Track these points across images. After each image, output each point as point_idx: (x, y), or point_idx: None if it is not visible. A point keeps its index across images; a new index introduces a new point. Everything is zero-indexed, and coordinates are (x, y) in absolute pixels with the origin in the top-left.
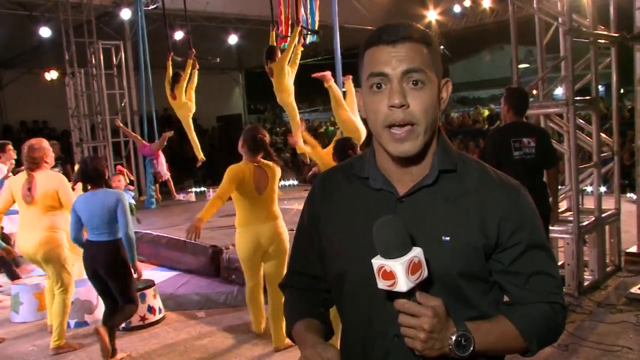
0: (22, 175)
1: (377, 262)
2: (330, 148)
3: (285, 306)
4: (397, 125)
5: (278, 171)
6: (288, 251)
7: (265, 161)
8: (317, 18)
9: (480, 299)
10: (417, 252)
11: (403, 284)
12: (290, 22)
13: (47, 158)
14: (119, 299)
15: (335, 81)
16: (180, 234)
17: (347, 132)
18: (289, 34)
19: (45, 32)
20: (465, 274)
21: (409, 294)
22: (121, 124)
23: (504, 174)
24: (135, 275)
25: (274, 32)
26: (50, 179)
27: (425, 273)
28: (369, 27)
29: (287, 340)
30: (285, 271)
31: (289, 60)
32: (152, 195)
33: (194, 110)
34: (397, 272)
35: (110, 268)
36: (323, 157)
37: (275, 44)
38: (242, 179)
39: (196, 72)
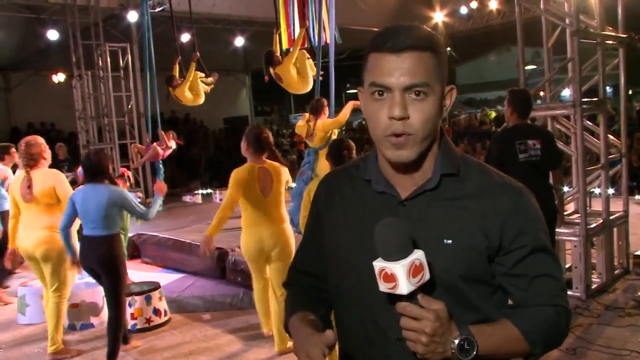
0: (21, 174)
1: (378, 264)
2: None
3: (286, 302)
4: (395, 135)
5: (284, 172)
6: (293, 255)
7: (270, 162)
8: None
9: (484, 302)
10: (418, 255)
11: (404, 287)
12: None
13: (44, 154)
14: (106, 296)
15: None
16: (186, 236)
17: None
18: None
19: (52, 34)
20: (467, 277)
21: (411, 297)
22: (137, 153)
23: (508, 176)
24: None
25: (277, 36)
26: (47, 175)
27: (427, 276)
28: (374, 29)
29: (291, 344)
30: None
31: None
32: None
33: (203, 97)
34: (398, 274)
35: (103, 263)
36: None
37: (278, 48)
38: (247, 183)
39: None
